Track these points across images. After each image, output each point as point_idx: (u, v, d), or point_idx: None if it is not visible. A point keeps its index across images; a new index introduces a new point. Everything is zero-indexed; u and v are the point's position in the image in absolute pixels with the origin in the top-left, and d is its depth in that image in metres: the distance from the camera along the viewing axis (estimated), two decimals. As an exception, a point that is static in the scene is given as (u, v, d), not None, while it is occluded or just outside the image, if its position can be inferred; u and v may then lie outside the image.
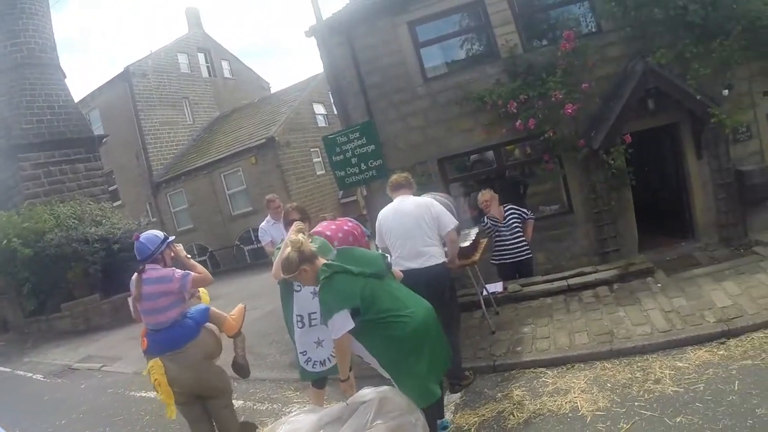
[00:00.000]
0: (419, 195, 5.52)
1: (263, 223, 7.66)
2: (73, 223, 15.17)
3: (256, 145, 23.88)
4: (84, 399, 8.38)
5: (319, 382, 5.08)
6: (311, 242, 4.10)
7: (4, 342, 15.74)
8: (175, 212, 27.32)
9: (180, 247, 4.77)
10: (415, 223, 5.10)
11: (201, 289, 4.93)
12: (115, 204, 22.56)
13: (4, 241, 13.98)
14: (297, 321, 4.81)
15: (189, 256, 4.79)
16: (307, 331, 4.78)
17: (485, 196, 7.77)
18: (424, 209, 5.17)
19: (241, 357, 5.01)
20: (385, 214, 5.35)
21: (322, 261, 3.83)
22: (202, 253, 26.35)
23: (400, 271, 4.63)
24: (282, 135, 24.05)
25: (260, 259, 23.31)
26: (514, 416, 4.55)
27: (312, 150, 26.02)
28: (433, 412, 4.08)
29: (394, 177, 5.57)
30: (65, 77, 19.76)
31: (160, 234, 4.65)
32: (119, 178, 28.15)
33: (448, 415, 4.77)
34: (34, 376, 10.59)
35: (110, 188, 23.29)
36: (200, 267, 4.66)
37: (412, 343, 3.73)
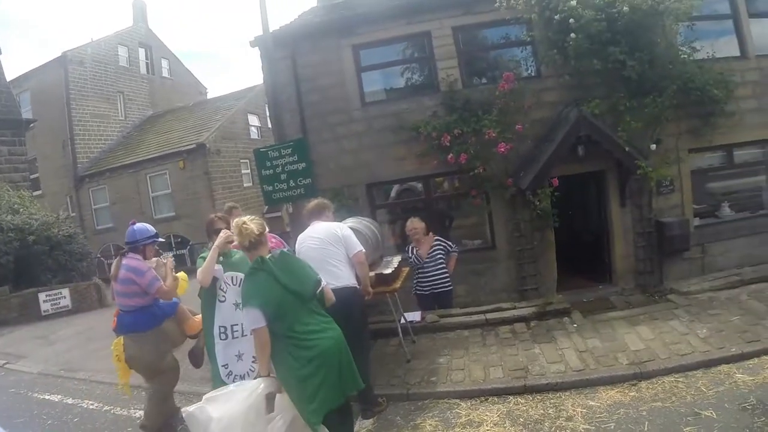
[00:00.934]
0: (346, 218, 5.53)
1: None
2: (-12, 208, 14.24)
3: (186, 150, 23.39)
4: (-16, 399, 7.77)
5: None
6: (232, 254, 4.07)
7: None
8: (95, 209, 26.19)
9: (171, 260, 5.37)
10: (324, 246, 5.16)
11: (181, 275, 5.48)
12: (35, 193, 21.35)
13: None
14: (220, 332, 4.69)
15: (176, 275, 5.28)
16: (229, 343, 4.69)
17: (414, 224, 7.76)
18: (332, 232, 5.25)
19: (198, 349, 5.25)
20: (301, 240, 5.40)
21: (262, 253, 3.85)
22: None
23: None
24: (213, 142, 23.67)
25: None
26: (424, 447, 4.47)
27: (242, 161, 25.69)
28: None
29: (310, 204, 5.67)
30: (0, 53, 18.75)
31: (153, 230, 5.29)
32: (42, 167, 26.66)
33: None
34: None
35: (32, 176, 22.06)
36: (174, 283, 5.13)
37: (307, 370, 3.68)
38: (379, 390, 5.53)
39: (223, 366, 4.68)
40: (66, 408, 6.77)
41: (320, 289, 4.05)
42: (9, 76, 20.09)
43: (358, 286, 5.19)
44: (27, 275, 13.89)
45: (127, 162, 25.13)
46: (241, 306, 3.83)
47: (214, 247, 4.63)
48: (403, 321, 7.05)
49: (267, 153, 7.98)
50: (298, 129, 9.83)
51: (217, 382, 4.63)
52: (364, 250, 5.30)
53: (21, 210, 14.90)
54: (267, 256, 3.83)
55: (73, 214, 24.68)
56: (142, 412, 6.14)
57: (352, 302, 4.96)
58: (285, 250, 4.62)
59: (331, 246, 5.14)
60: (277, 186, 7.85)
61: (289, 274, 3.83)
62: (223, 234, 4.70)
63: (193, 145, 23.15)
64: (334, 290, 4.54)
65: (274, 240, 5.25)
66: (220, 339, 4.69)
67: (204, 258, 4.71)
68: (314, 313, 3.87)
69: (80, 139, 26.50)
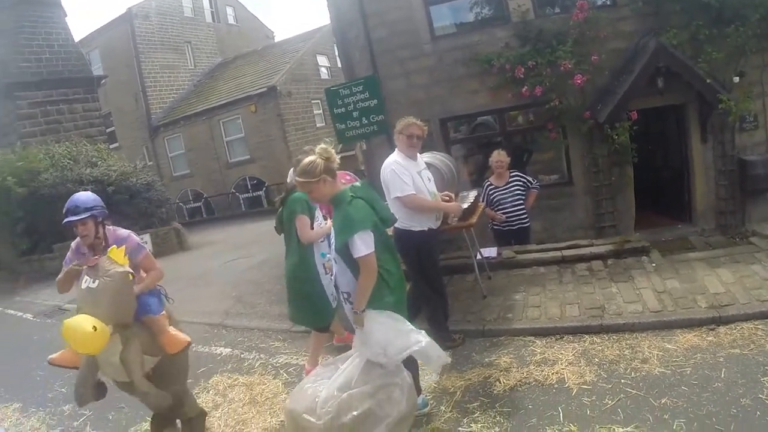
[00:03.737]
0: (421, 153, 5.43)
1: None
2: (68, 163, 15.02)
3: (257, 94, 23.80)
4: (72, 340, 8.37)
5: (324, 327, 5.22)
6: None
7: (-5, 281, 15.72)
8: (171, 157, 27.30)
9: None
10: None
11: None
12: (112, 146, 22.40)
13: None
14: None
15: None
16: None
17: (501, 156, 7.58)
18: (382, 172, 5.15)
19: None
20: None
21: (341, 186, 3.79)
22: (197, 199, 26.36)
23: None
24: (284, 85, 23.89)
25: (255, 208, 23.32)
26: (500, 383, 4.53)
27: (313, 102, 25.92)
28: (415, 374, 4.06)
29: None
30: (66, 16, 19.37)
31: (85, 202, 3.90)
32: (117, 121, 27.91)
33: (434, 377, 4.76)
34: (24, 316, 10.57)
35: (108, 130, 23.14)
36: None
37: (392, 294, 3.75)
38: (454, 326, 5.60)
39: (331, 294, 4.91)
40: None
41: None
42: (76, 36, 20.90)
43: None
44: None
45: (200, 109, 25.85)
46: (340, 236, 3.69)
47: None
48: (479, 257, 7.04)
49: (338, 91, 8.02)
50: (368, 66, 9.69)
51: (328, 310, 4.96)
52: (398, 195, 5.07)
53: (99, 163, 15.61)
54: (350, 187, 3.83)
55: (150, 162, 25.76)
56: (222, 349, 6.56)
57: (399, 244, 4.88)
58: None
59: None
60: (349, 124, 7.91)
61: (377, 202, 3.87)
62: None
63: (264, 89, 23.51)
64: None
65: (347, 177, 5.27)
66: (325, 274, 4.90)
67: (303, 207, 4.81)
68: (389, 244, 3.94)
69: (152, 91, 27.40)
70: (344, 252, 3.63)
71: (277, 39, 34.99)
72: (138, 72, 26.85)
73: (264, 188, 23.82)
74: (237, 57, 30.35)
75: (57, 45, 18.53)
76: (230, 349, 6.54)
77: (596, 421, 3.81)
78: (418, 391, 4.15)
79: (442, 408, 4.33)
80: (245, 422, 4.68)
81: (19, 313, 10.83)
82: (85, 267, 3.75)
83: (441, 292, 5.50)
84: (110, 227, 4.06)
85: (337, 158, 3.75)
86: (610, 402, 4.00)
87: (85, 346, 3.50)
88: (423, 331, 3.75)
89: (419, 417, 4.16)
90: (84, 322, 3.42)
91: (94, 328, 3.40)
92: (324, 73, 27.47)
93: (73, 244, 4.06)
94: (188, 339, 4.12)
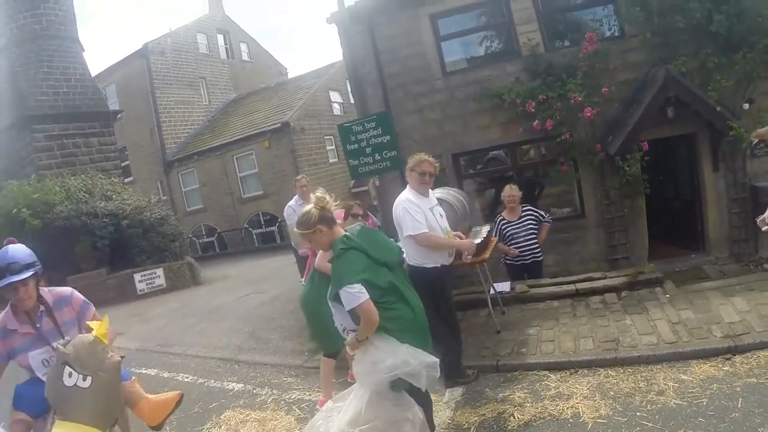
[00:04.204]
0: (433, 189, 5.46)
1: (291, 202, 7.76)
2: (84, 196, 15.21)
3: (270, 129, 24.03)
4: (84, 373, 8.39)
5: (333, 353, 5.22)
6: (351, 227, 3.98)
7: (7, 313, 15.79)
8: (185, 192, 27.51)
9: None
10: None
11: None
12: (126, 180, 22.61)
13: (14, 210, 14.02)
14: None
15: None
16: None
17: (513, 191, 7.60)
18: (395, 209, 5.16)
19: None
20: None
21: (341, 231, 3.77)
22: (210, 233, 26.49)
23: None
24: (297, 121, 24.11)
25: (268, 243, 23.37)
26: (514, 418, 4.50)
27: (326, 137, 26.14)
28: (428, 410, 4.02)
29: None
30: (83, 50, 19.77)
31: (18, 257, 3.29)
32: (132, 155, 28.25)
33: (448, 413, 4.74)
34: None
35: (122, 164, 23.40)
36: None
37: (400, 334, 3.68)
38: (468, 361, 5.57)
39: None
40: (162, 381, 7.18)
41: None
42: (93, 71, 21.42)
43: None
44: (122, 257, 14.80)
45: (214, 144, 26.17)
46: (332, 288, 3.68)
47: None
48: (492, 292, 7.03)
49: (351, 128, 8.09)
50: (381, 102, 9.83)
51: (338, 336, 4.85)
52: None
53: (113, 196, 15.79)
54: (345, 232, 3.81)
55: (164, 197, 26.03)
56: (235, 384, 6.57)
57: (415, 280, 4.75)
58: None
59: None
60: (362, 160, 7.96)
61: (377, 245, 3.82)
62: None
63: (278, 125, 23.79)
64: None
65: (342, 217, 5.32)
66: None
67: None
68: (400, 284, 3.84)
69: (167, 126, 27.80)
70: (338, 300, 3.62)
71: (290, 75, 35.39)
72: (153, 107, 27.28)
73: (277, 224, 23.89)
74: (251, 93, 30.73)
75: (74, 79, 18.87)
76: (243, 385, 6.52)
77: (612, 456, 3.76)
78: (432, 427, 4.10)
79: (456, 444, 4.29)
80: (256, 459, 4.66)
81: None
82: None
83: (455, 328, 5.48)
84: (44, 287, 3.45)
85: (333, 206, 3.78)
86: (625, 436, 3.95)
87: None
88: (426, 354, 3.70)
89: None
90: None
91: None
92: (337, 108, 27.72)
93: None
94: (178, 393, 3.64)
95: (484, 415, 4.65)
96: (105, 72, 28.28)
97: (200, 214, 26.87)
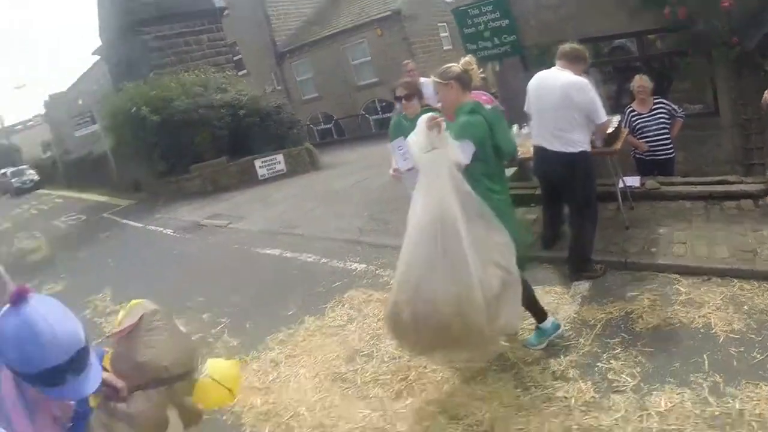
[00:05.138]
0: None
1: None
2: (199, 90, 15.84)
3: (381, 17, 23.72)
4: (211, 253, 8.96)
5: None
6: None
7: (136, 201, 17.08)
8: (300, 80, 28.06)
9: None
10: (555, 103, 4.80)
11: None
12: (240, 73, 23.24)
13: (134, 109, 14.80)
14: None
15: None
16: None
17: (643, 81, 7.11)
18: (574, 91, 4.74)
19: None
20: (533, 81, 5.12)
21: (472, 99, 3.78)
22: (327, 121, 27.16)
23: (533, 146, 5.04)
24: (408, 7, 23.45)
25: (384, 129, 23.62)
26: (642, 320, 4.31)
27: (439, 24, 25.49)
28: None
29: (564, 45, 5.12)
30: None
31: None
32: (243, 49, 28.74)
33: (574, 307, 4.65)
34: (164, 231, 11.41)
35: (235, 58, 23.94)
36: None
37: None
38: (596, 255, 5.33)
39: None
40: (286, 260, 7.53)
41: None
42: None
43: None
44: (242, 145, 15.54)
45: (325, 34, 26.16)
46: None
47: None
48: (621, 185, 6.62)
49: (467, 11, 7.75)
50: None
51: None
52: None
53: (228, 89, 16.40)
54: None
55: (279, 87, 26.51)
56: (357, 264, 6.73)
57: (572, 168, 4.91)
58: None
59: (563, 105, 4.79)
60: (480, 44, 7.65)
61: (497, 127, 3.75)
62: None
63: (388, 12, 23.36)
64: (556, 153, 4.73)
65: (484, 97, 5.08)
66: None
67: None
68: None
69: (275, 19, 27.88)
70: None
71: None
72: (261, 1, 27.40)
73: (393, 110, 23.97)
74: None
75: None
76: (365, 265, 6.67)
77: (743, 375, 3.48)
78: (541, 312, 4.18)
79: (581, 341, 4.19)
80: (379, 337, 4.80)
81: (160, 229, 11.71)
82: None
83: (595, 217, 5.34)
84: None
85: (477, 74, 3.84)
86: (759, 356, 3.64)
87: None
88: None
89: (556, 346, 4.10)
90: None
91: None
92: (449, -7, 26.69)
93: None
94: None
95: (611, 313, 4.49)
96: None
97: (316, 102, 27.44)
